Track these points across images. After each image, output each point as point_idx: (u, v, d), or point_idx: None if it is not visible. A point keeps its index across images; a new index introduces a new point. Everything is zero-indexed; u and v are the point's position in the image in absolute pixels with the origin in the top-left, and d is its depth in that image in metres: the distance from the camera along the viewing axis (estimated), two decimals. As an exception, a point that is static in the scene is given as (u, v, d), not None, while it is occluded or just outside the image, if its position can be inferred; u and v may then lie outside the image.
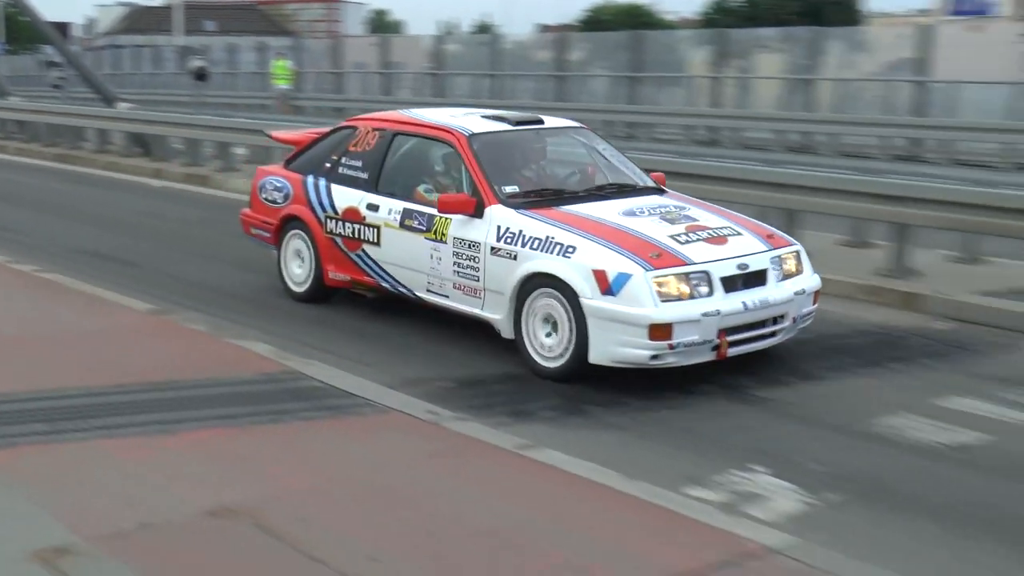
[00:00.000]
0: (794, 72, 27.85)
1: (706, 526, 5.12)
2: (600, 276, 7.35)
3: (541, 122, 9.31)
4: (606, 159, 9.33)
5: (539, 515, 5.18)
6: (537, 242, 7.79)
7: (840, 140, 23.34)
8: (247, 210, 10.49)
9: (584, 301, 7.39)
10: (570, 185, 8.77)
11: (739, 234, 8.04)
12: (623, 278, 7.27)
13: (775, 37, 30.65)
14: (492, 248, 8.05)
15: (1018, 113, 23.48)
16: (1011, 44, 27.13)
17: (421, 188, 8.86)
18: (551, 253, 7.66)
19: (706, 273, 7.44)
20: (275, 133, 11.37)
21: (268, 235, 10.12)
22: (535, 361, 7.79)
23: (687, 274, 7.38)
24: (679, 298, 7.28)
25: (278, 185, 10.05)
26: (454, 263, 8.34)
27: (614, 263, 7.37)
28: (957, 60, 25.91)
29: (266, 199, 10.15)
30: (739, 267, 7.64)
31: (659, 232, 7.79)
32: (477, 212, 8.21)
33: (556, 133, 9.39)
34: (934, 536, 5.43)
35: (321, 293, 9.70)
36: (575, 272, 7.47)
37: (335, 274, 9.49)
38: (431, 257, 8.53)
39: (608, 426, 6.80)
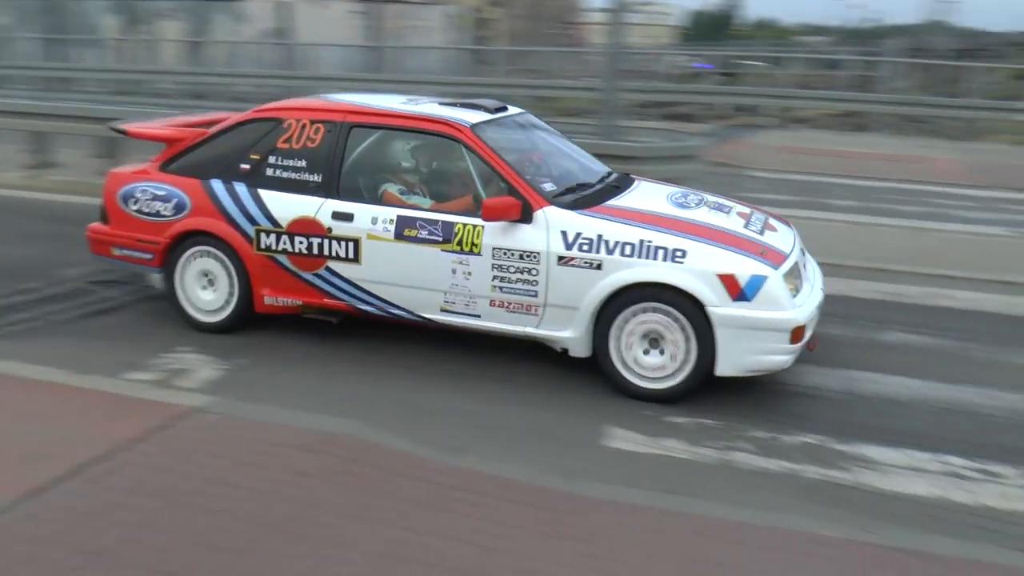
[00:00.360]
0: (190, 36, 27.30)
1: (146, 400, 5.05)
2: (729, 281, 5.27)
3: (506, 108, 6.51)
4: (560, 146, 6.71)
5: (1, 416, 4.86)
6: (629, 247, 5.41)
7: (231, 90, 23.34)
8: (100, 225, 6.68)
9: (712, 310, 5.27)
10: (581, 177, 6.21)
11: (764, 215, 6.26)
12: (758, 280, 5.27)
13: (174, 8, 29.79)
14: (560, 257, 5.51)
15: (353, 66, 25.23)
16: (347, 17, 28.83)
17: (393, 189, 5.97)
18: (655, 259, 5.36)
19: (797, 265, 5.63)
20: (129, 126, 6.91)
21: (148, 256, 6.50)
22: (631, 383, 5.51)
23: (792, 268, 5.53)
24: (796, 294, 5.43)
25: (160, 194, 6.47)
26: (495, 277, 5.67)
27: (741, 265, 5.31)
28: (312, 28, 27.03)
29: (140, 212, 6.51)
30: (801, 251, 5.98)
31: (735, 224, 5.78)
32: (524, 217, 5.59)
33: (520, 120, 6.59)
34: (320, 376, 5.73)
35: (245, 321, 6.40)
36: (695, 279, 5.29)
37: (274, 299, 6.23)
38: (454, 272, 5.74)
39: (59, 334, 6.38)
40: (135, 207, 6.53)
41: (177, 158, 6.57)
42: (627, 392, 5.51)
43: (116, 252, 6.63)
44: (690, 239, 5.42)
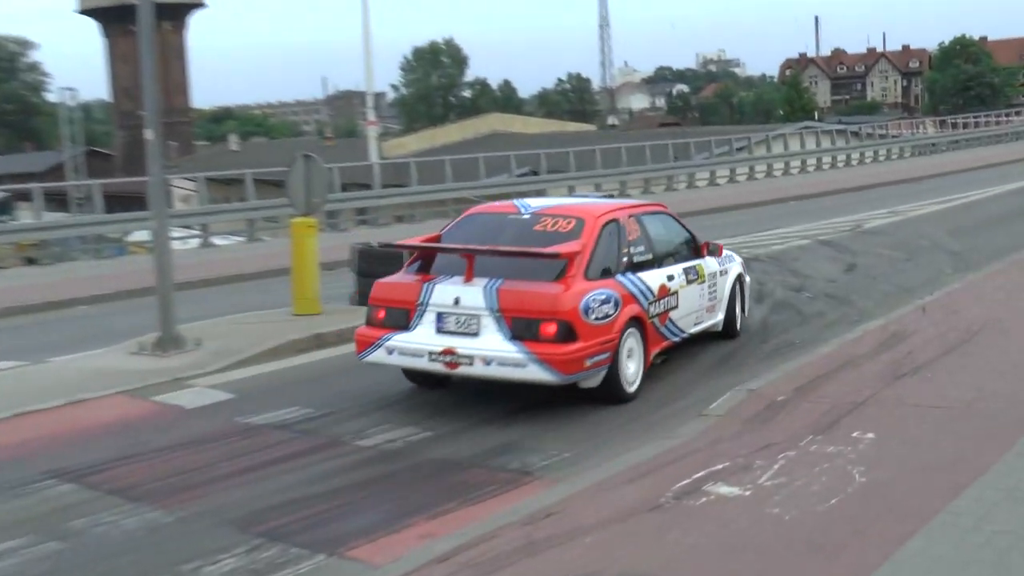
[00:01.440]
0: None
1: None
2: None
3: None
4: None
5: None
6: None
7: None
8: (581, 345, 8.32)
9: (746, 278, 12.10)
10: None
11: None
12: None
13: None
14: (719, 272, 11.12)
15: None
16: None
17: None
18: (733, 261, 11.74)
19: None
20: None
21: (607, 356, 8.64)
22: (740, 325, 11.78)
23: None
24: None
25: (603, 298, 8.64)
26: (709, 293, 10.75)
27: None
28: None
29: (597, 319, 8.52)
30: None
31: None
32: (703, 253, 10.91)
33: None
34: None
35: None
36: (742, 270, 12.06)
37: (652, 354, 9.49)
38: (700, 296, 10.45)
39: None
40: (594, 317, 8.56)
41: (583, 267, 8.77)
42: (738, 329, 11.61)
43: (589, 363, 8.48)
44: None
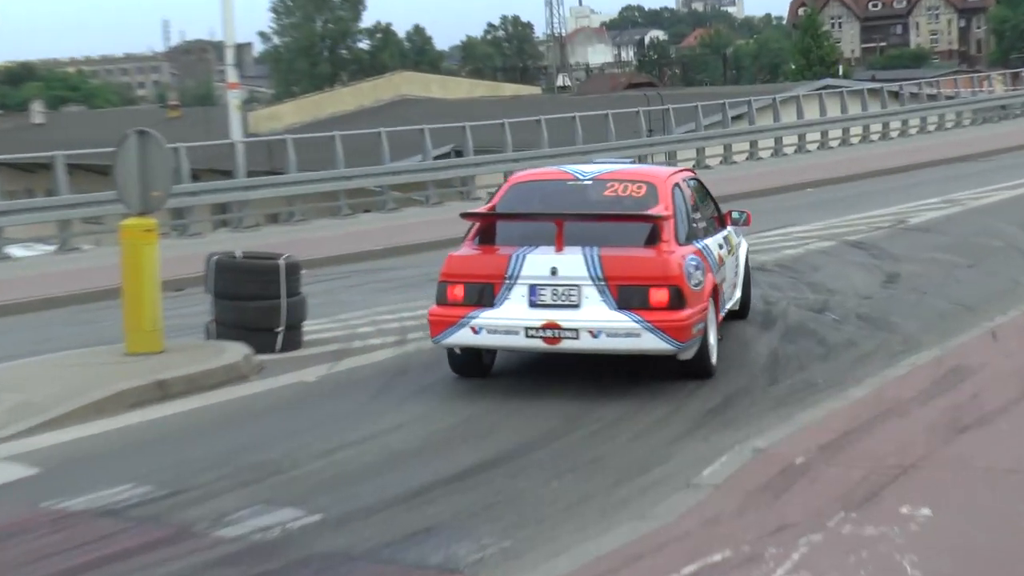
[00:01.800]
0: None
1: None
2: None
3: None
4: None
5: None
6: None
7: None
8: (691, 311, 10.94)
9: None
10: None
11: None
12: None
13: None
14: (738, 244, 13.70)
15: None
16: None
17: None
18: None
19: None
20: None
21: (703, 325, 11.19)
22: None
23: None
24: None
25: (695, 264, 11.22)
26: (734, 267, 12.79)
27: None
28: None
29: (695, 284, 11.05)
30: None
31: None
32: (728, 223, 13.56)
33: None
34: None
35: None
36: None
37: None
38: (732, 269, 12.70)
39: None
40: (694, 283, 11.10)
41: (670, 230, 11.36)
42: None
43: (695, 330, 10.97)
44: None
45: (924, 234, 20.55)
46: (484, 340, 11.04)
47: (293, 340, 13.84)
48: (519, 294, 10.85)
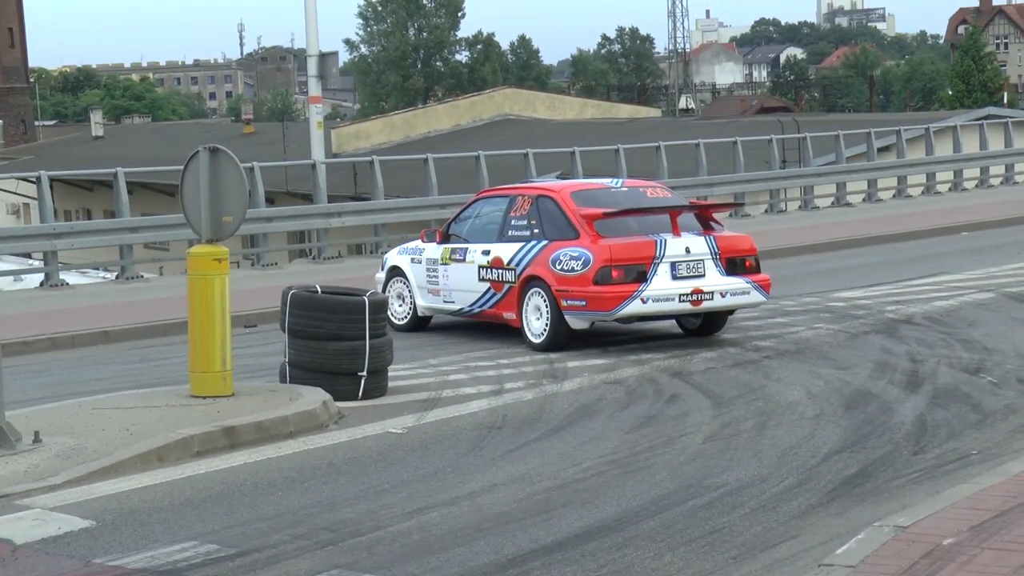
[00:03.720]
0: None
1: None
2: None
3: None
4: None
5: None
6: None
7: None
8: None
9: None
10: None
11: None
12: None
13: None
14: None
15: None
16: None
17: None
18: None
19: None
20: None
21: None
22: None
23: None
24: None
25: None
26: None
27: None
28: None
29: None
30: None
31: None
32: None
33: None
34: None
35: None
36: None
37: None
38: None
39: None
40: None
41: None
42: None
43: None
44: None
45: (1098, 288, 20.31)
46: (650, 308, 16.01)
47: (377, 386, 13.99)
48: (664, 271, 15.93)
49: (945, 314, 18.07)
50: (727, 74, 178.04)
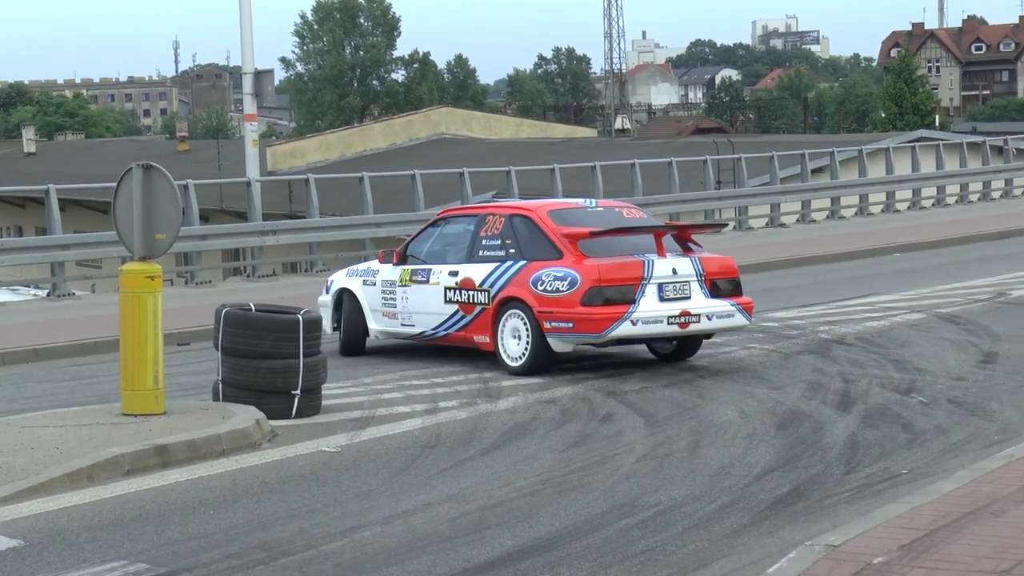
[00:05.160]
0: None
1: None
2: None
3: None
4: None
5: None
6: None
7: None
8: None
9: None
10: None
11: None
12: None
13: None
14: None
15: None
16: None
17: None
18: None
19: None
20: None
21: None
22: None
23: None
24: None
25: None
26: None
27: None
28: None
29: None
30: None
31: None
32: None
33: None
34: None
35: None
36: None
37: None
38: None
39: None
40: None
41: None
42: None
43: None
44: None
45: (1028, 309, 20.50)
46: (639, 330, 15.51)
47: (311, 405, 13.94)
48: (651, 292, 15.46)
49: (877, 334, 18.20)
50: (663, 95, 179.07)
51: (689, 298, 15.60)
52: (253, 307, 14.21)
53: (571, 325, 15.43)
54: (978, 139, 53.66)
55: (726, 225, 16.59)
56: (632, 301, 15.34)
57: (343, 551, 9.34)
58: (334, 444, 12.73)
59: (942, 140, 50.60)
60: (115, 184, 13.80)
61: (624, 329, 15.31)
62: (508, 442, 12.70)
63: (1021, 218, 37.57)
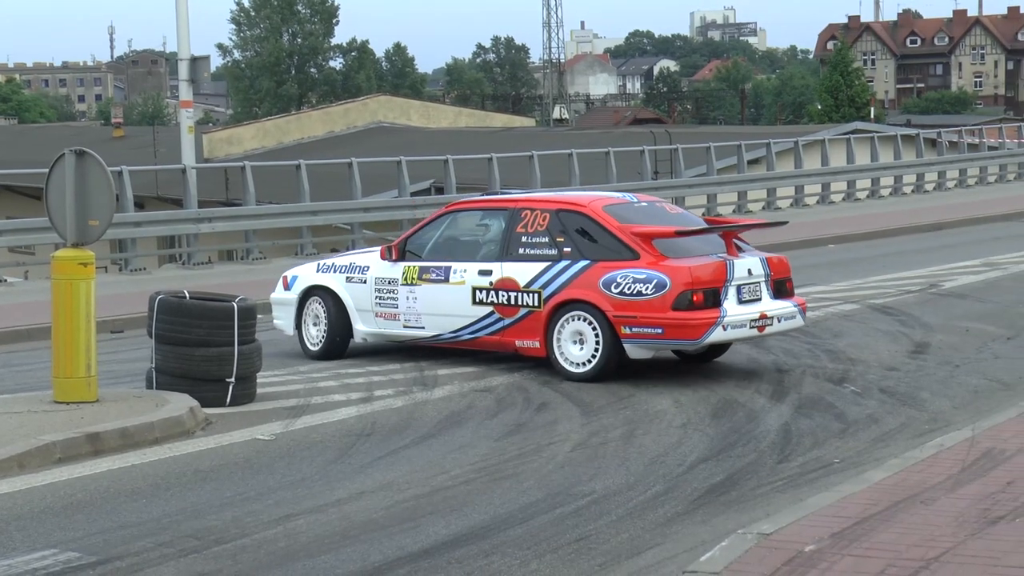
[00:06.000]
0: None
1: None
2: None
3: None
4: None
5: None
6: None
7: None
8: None
9: None
10: None
11: None
12: None
13: None
14: None
15: None
16: None
17: None
18: None
19: None
20: None
21: None
22: None
23: None
24: None
25: None
26: None
27: None
28: None
29: None
30: None
31: None
32: None
33: None
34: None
35: None
36: None
37: None
38: None
39: None
40: None
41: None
42: None
43: None
44: None
45: (959, 300, 20.65)
46: (728, 335, 14.75)
47: (246, 393, 13.89)
48: (732, 294, 14.74)
49: (811, 325, 18.26)
50: (601, 85, 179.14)
51: (760, 300, 14.99)
52: (187, 294, 14.13)
53: (660, 331, 14.42)
54: (912, 132, 54.01)
55: (787, 222, 15.82)
56: (719, 304, 14.50)
57: (276, 539, 9.32)
58: (269, 432, 12.69)
59: (877, 132, 50.89)
60: (48, 170, 13.70)
61: (717, 334, 14.49)
62: (443, 431, 12.70)
63: (954, 210, 37.86)
